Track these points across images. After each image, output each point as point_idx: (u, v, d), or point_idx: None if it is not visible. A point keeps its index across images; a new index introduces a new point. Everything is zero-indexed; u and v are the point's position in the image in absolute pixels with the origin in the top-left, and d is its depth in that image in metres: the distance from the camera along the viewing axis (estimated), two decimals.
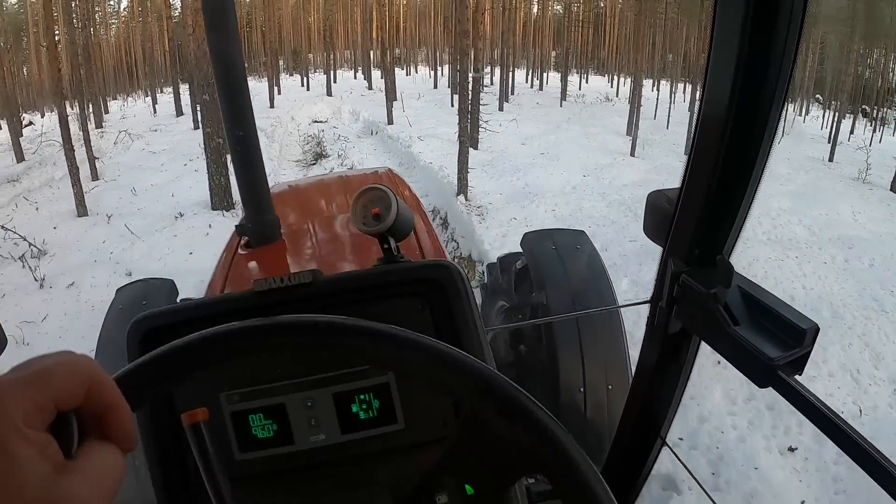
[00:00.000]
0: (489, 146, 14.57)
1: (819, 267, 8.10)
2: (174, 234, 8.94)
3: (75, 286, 7.31)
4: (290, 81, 35.69)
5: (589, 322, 2.85)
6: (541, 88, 30.64)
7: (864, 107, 27.48)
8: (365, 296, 1.28)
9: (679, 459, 1.53)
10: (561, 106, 24.19)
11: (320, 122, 21.31)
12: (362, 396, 1.21)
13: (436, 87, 30.78)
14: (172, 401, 1.18)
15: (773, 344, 1.06)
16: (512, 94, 25.49)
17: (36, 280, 7.41)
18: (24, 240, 8.54)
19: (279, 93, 27.39)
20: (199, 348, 0.83)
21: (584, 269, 3.14)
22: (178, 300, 2.85)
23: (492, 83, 23.30)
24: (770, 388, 1.07)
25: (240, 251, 2.63)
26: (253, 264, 2.58)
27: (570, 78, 28.47)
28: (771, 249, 8.45)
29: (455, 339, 1.24)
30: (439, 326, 1.26)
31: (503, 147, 14.76)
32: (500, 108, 21.50)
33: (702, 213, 1.19)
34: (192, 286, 4.88)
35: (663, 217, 1.31)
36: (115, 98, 33.05)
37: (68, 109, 11.24)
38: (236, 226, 2.70)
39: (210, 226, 9.06)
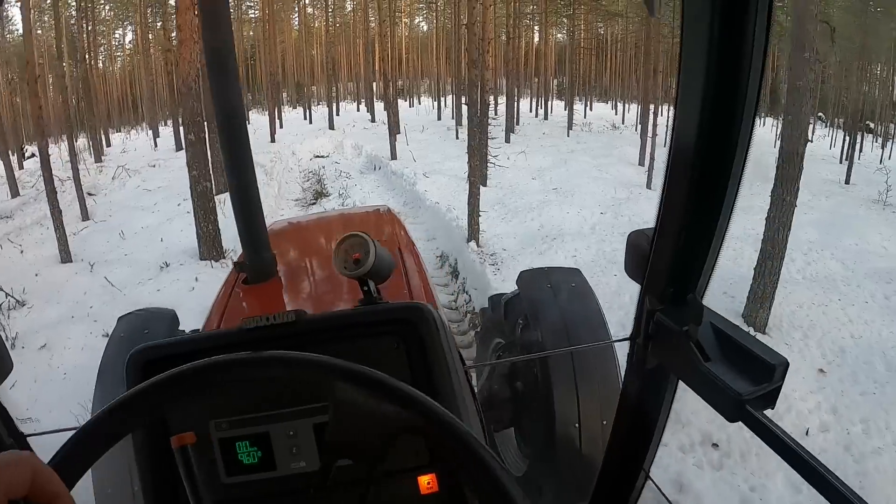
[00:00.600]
0: (498, 182, 13.87)
1: (863, 309, 7.59)
2: (157, 287, 8.18)
3: (47, 348, 6.67)
4: (292, 115, 35.16)
5: (583, 358, 2.88)
6: (546, 117, 29.95)
7: (867, 123, 26.58)
8: (343, 335, 1.38)
9: (662, 493, 1.58)
10: (568, 135, 23.48)
11: (322, 156, 20.73)
12: (324, 443, 1.22)
13: (439, 118, 30.11)
14: (166, 426, 1.26)
15: (743, 379, 1.07)
16: (517, 124, 24.80)
17: (7, 339, 6.76)
18: (2, 290, 7.95)
19: (281, 126, 26.94)
20: (159, 391, 0.90)
21: (579, 305, 3.16)
22: (178, 330, 3.13)
23: (496, 113, 22.85)
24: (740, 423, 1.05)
25: (237, 288, 2.71)
26: (248, 300, 2.64)
27: (574, 106, 27.82)
28: (812, 292, 7.85)
29: (428, 376, 1.34)
30: (413, 364, 1.36)
31: (513, 182, 14.07)
32: (507, 140, 20.82)
33: (675, 252, 1.19)
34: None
35: (641, 256, 1.30)
36: (118, 131, 32.74)
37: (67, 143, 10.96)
38: (234, 263, 2.84)
39: (196, 279, 8.39)
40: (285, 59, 40.94)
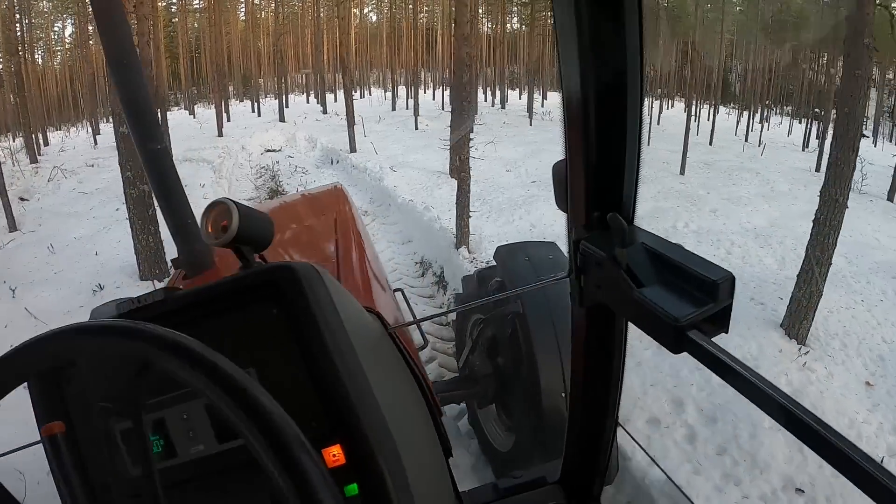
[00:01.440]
0: (473, 175, 12.64)
1: (884, 310, 7.05)
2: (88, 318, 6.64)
3: None
4: (240, 108, 33.37)
5: (565, 324, 2.63)
6: (503, 107, 28.74)
7: (816, 109, 26.20)
8: (216, 307, 1.28)
9: (634, 440, 1.64)
10: (531, 125, 22.40)
11: (274, 150, 19.30)
12: None
13: (394, 108, 28.70)
14: (66, 413, 1.21)
15: (683, 303, 0.97)
16: (476, 114, 23.62)
17: None
18: None
19: (228, 120, 25.40)
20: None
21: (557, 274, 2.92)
22: None
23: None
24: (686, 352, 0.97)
25: (179, 284, 2.51)
26: None
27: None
28: (835, 294, 7.07)
29: (318, 341, 1.23)
30: (299, 328, 1.25)
31: (488, 176, 12.90)
32: (471, 130, 19.58)
33: (588, 172, 1.13)
34: None
35: (564, 186, 1.22)
36: (58, 128, 30.68)
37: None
38: (172, 259, 2.67)
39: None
40: (231, 51, 38.67)
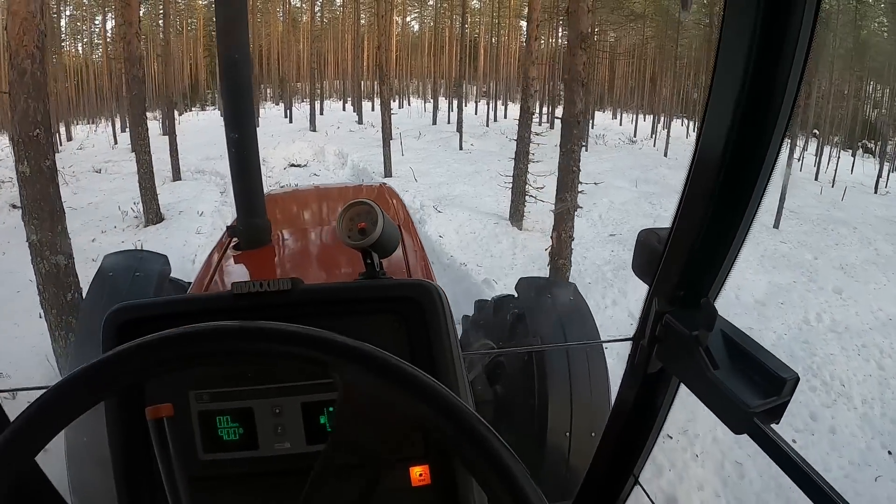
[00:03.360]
0: (535, 221, 9.62)
1: None
2: None
3: None
4: (273, 111, 31.39)
5: (578, 363, 2.85)
6: (552, 126, 25.47)
7: (863, 142, 25.22)
8: (342, 309, 1.26)
9: (651, 500, 1.48)
10: (587, 149, 19.31)
11: (298, 165, 16.51)
12: (331, 409, 1.18)
13: (434, 122, 25.94)
14: (143, 393, 1.00)
15: (751, 391, 1.01)
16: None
17: None
18: None
19: (257, 125, 22.17)
20: (138, 357, 0.76)
21: (578, 321, 3.12)
22: (169, 279, 3.23)
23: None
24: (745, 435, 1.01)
25: (229, 251, 2.56)
26: (240, 266, 2.50)
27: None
28: None
29: (429, 359, 1.22)
30: (414, 345, 1.24)
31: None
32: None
33: (690, 254, 1.12)
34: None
35: (652, 256, 1.22)
36: (91, 122, 28.90)
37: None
38: (227, 226, 2.71)
39: None
40: (270, 53, 37.23)
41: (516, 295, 3.47)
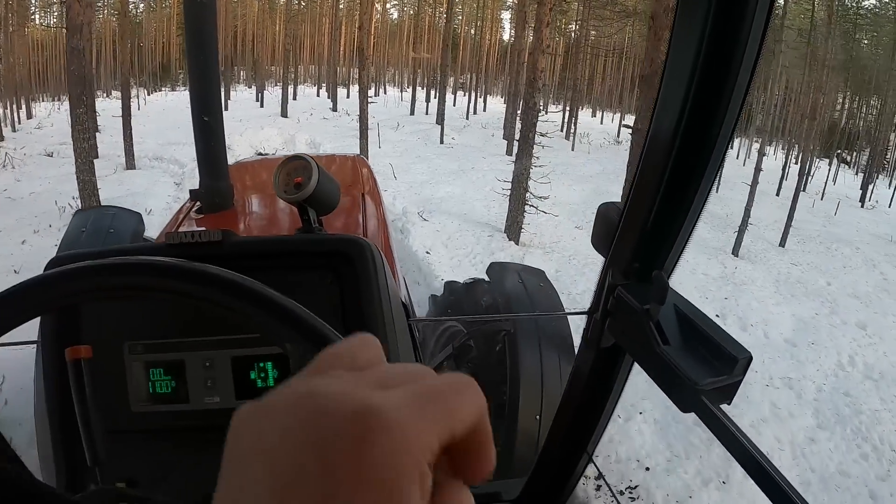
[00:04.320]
0: (534, 234, 8.30)
1: None
2: None
3: None
4: (244, 94, 29.57)
5: (549, 352, 2.86)
6: None
7: (839, 152, 24.87)
8: (274, 262, 1.23)
9: (603, 477, 1.59)
10: (573, 149, 18.06)
11: (266, 155, 14.64)
12: (261, 364, 1.17)
13: (412, 113, 24.43)
14: (79, 337, 1.14)
15: (701, 368, 0.98)
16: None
17: None
18: None
19: (225, 108, 20.81)
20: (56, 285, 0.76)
21: (547, 308, 3.12)
22: (143, 236, 3.21)
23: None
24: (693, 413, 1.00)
25: (191, 215, 2.52)
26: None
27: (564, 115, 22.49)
28: None
29: (359, 316, 1.19)
30: (346, 303, 1.21)
31: (557, 236, 8.93)
32: (509, 152, 15.09)
33: (643, 228, 1.10)
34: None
35: (610, 229, 1.20)
36: (57, 99, 26.44)
37: None
38: (190, 190, 2.61)
39: None
40: (245, 34, 35.73)
41: (488, 279, 3.49)
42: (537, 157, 8.99)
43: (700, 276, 8.68)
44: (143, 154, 13.51)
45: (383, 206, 3.16)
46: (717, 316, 7.18)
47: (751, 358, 0.96)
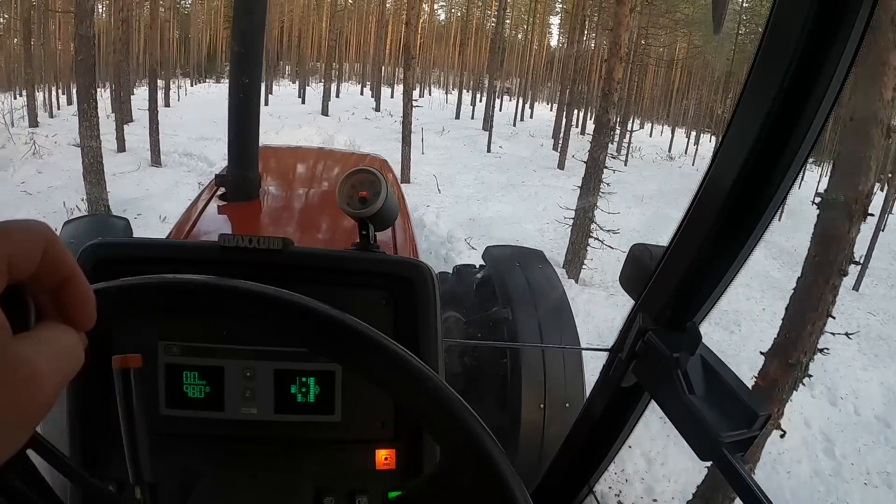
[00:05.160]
0: (594, 269, 7.13)
1: None
2: None
3: None
4: (287, 90, 28.71)
5: (550, 337, 2.83)
6: (582, 132, 22.83)
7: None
8: (331, 277, 1.21)
9: None
10: (626, 165, 16.74)
11: None
12: (303, 379, 1.13)
13: (458, 116, 23.14)
14: (109, 338, 1.08)
15: (723, 420, 0.96)
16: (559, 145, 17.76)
17: None
18: None
19: (266, 104, 20.18)
20: (110, 300, 0.67)
21: (547, 289, 3.03)
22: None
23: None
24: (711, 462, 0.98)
25: (214, 201, 2.45)
26: (223, 217, 2.41)
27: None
28: None
29: (413, 341, 1.17)
30: (399, 325, 1.19)
31: (618, 272, 7.21)
32: (560, 166, 13.82)
33: (683, 276, 1.05)
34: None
35: (642, 271, 1.16)
36: (102, 86, 26.42)
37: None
38: (216, 175, 2.54)
39: None
40: (292, 29, 35.43)
41: (483, 263, 3.42)
42: (606, 184, 7.71)
43: (777, 327, 7.36)
44: (172, 149, 12.66)
45: (408, 211, 2.99)
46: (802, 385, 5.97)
47: (769, 415, 0.96)
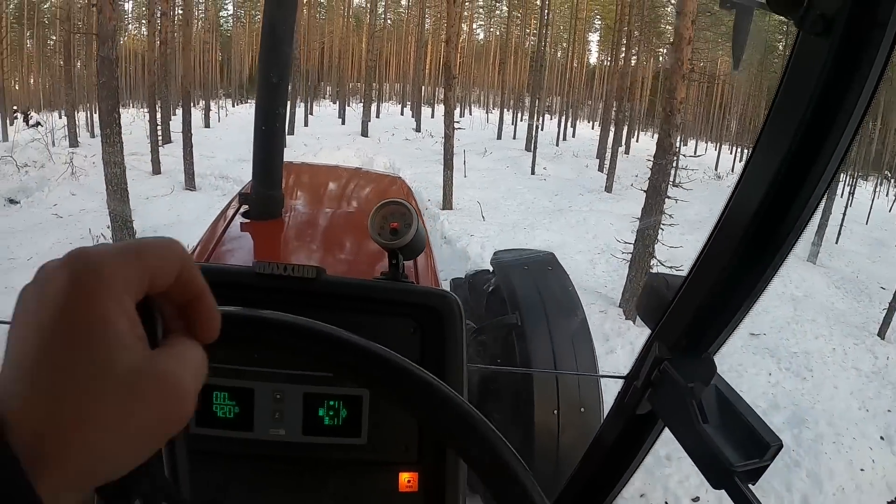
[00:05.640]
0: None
1: None
2: None
3: None
4: (328, 110, 28.67)
5: (562, 340, 2.81)
6: (627, 152, 21.93)
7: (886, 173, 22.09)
8: (361, 305, 1.24)
9: None
10: (673, 183, 15.86)
11: None
12: (332, 402, 1.16)
13: (500, 136, 22.45)
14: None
15: (736, 449, 0.94)
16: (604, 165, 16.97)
17: None
18: None
19: (305, 125, 20.53)
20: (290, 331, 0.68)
21: (557, 292, 3.03)
22: None
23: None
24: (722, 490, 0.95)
25: (238, 219, 2.44)
26: (247, 237, 2.42)
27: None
28: None
29: (440, 369, 1.21)
30: (426, 353, 1.23)
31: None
32: (608, 189, 13.06)
33: (700, 307, 1.01)
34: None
35: (658, 301, 1.13)
36: (143, 107, 26.81)
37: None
38: (240, 193, 2.61)
39: None
40: (332, 51, 35.26)
41: (491, 269, 3.42)
42: (669, 217, 7.00)
43: (850, 370, 6.47)
44: (208, 171, 12.31)
45: (429, 237, 2.83)
46: (881, 438, 5.09)
47: (781, 446, 0.93)
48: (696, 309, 1.02)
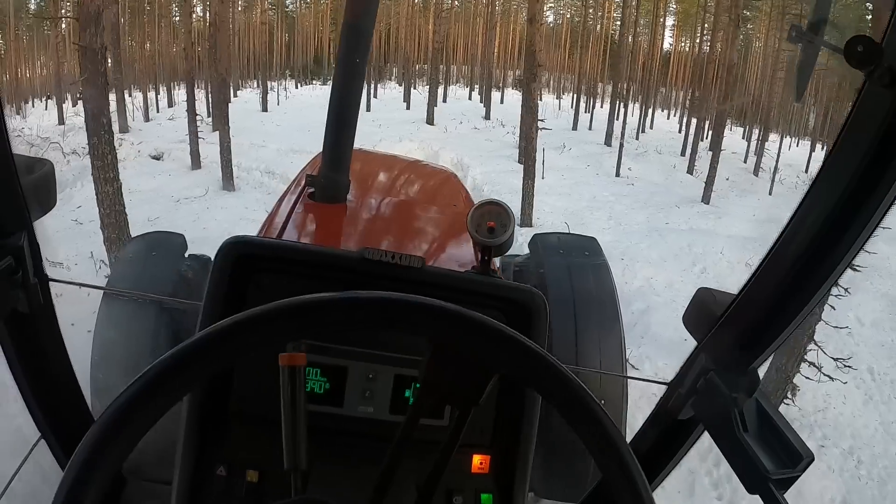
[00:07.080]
0: (814, 406, 4.63)
1: None
2: None
3: None
4: (394, 92, 27.15)
5: (584, 317, 2.72)
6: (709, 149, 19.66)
7: None
8: (455, 296, 1.13)
9: None
10: (770, 193, 13.78)
11: None
12: (418, 385, 1.09)
13: (574, 128, 20.22)
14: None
15: (771, 458, 1.03)
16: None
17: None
18: None
19: (367, 109, 18.95)
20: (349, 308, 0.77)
21: (591, 280, 2.89)
22: (185, 255, 3.03)
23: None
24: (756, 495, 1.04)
25: (304, 201, 2.50)
26: (314, 219, 2.47)
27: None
28: None
29: None
30: None
31: (847, 414, 4.95)
32: (705, 199, 11.11)
33: (749, 323, 1.11)
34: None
35: (706, 315, 1.22)
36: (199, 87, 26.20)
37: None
38: (307, 175, 2.58)
39: None
40: (399, 31, 33.79)
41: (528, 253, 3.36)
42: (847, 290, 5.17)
43: None
44: (254, 164, 10.97)
45: None
46: None
47: (813, 458, 0.98)
48: (746, 326, 1.10)
